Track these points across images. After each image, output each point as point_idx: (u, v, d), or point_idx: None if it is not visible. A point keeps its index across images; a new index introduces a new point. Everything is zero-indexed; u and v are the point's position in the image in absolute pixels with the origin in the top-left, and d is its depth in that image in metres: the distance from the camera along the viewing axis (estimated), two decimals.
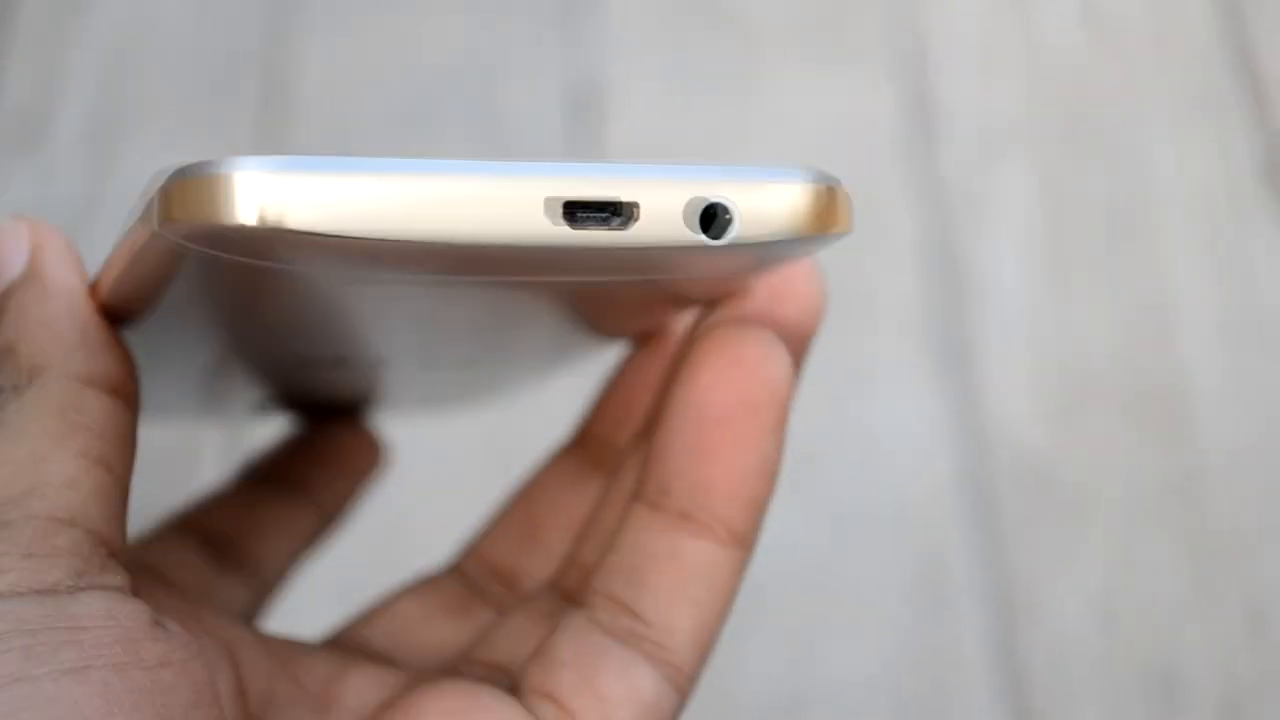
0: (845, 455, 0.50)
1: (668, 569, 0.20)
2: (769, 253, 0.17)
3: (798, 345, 0.21)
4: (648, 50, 0.59)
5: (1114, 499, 0.49)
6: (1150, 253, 0.54)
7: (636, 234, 0.16)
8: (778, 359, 0.20)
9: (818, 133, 0.57)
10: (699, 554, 0.20)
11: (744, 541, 0.20)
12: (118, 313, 0.19)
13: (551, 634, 0.21)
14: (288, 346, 0.23)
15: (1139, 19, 0.59)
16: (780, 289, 0.21)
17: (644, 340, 0.23)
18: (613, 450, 0.23)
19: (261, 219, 0.15)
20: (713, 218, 0.16)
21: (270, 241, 0.15)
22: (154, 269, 0.17)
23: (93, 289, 0.19)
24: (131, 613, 0.17)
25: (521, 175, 0.15)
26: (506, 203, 0.15)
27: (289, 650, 0.22)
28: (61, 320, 0.19)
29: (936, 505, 0.49)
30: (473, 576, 0.24)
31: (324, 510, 0.28)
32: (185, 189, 0.15)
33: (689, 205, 0.16)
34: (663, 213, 0.16)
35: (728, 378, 0.20)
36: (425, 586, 0.24)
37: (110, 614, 0.17)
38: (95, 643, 0.16)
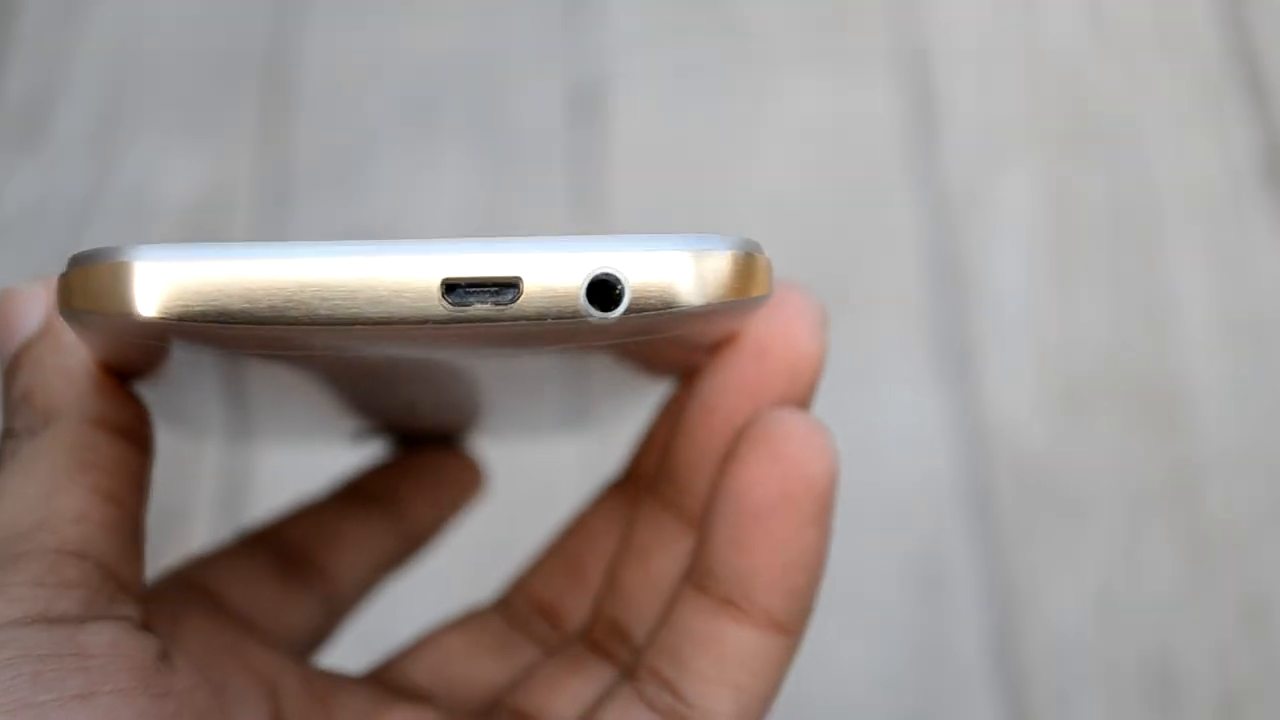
0: (845, 453, 0.50)
1: (710, 653, 0.20)
2: (678, 322, 0.17)
3: (795, 400, 0.20)
4: (650, 48, 0.59)
5: (1113, 497, 0.49)
6: (1152, 252, 0.54)
7: (523, 309, 0.16)
8: (818, 452, 0.20)
9: (820, 132, 0.57)
10: (741, 640, 0.20)
11: (788, 629, 0.20)
12: (125, 371, 0.20)
13: (598, 704, 0.21)
14: (307, 397, 0.23)
15: (1141, 18, 0.59)
16: (771, 343, 0.20)
17: (688, 377, 0.23)
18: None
19: (154, 310, 0.15)
20: (605, 291, 0.16)
21: (157, 330, 0.15)
22: (94, 339, 0.18)
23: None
24: (138, 644, 0.18)
25: (408, 254, 0.16)
26: (398, 284, 0.15)
27: (329, 684, 0.22)
28: (75, 369, 0.20)
29: (936, 503, 0.49)
30: (518, 612, 0.24)
31: (411, 532, 0.27)
32: (79, 278, 0.16)
33: (578, 278, 0.16)
34: (550, 287, 0.16)
35: (765, 473, 0.19)
36: (470, 621, 0.24)
37: (117, 644, 0.17)
38: (102, 670, 0.17)
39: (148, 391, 0.20)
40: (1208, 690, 0.46)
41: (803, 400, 0.21)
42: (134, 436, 0.20)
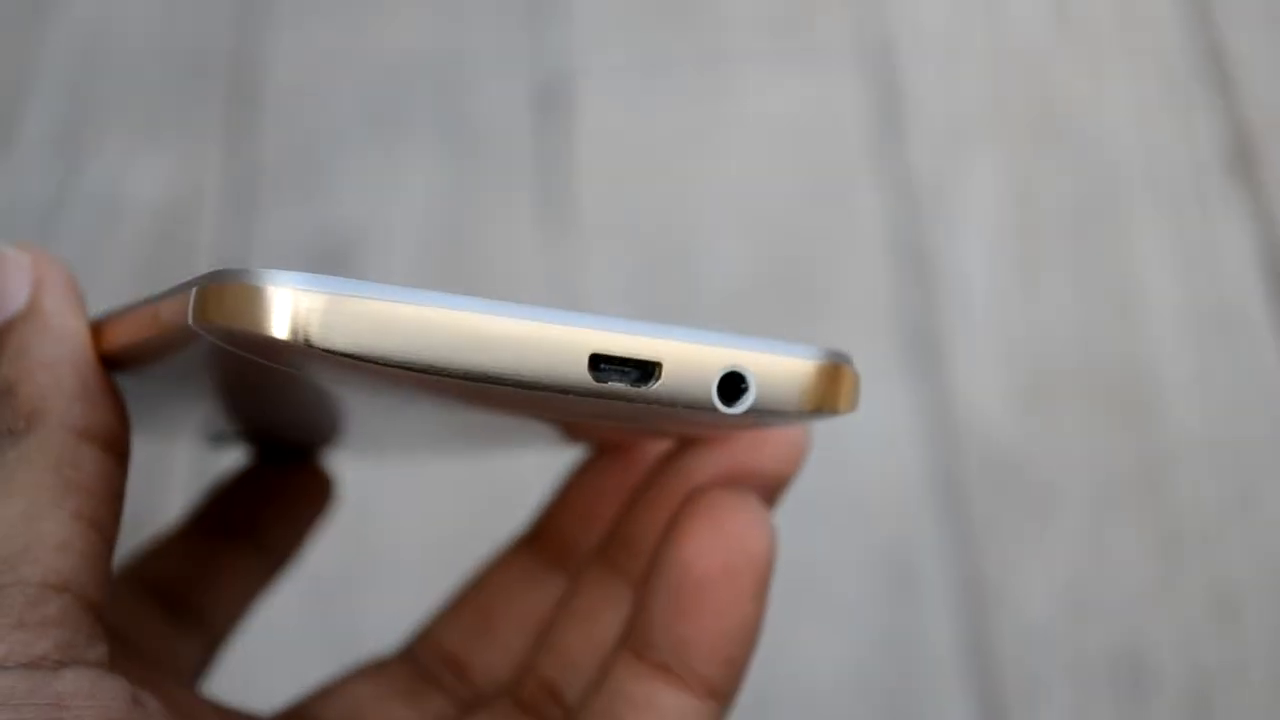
0: (815, 448, 0.50)
1: (645, 716, 0.20)
2: (775, 422, 0.18)
3: (772, 490, 0.21)
4: (616, 44, 0.59)
5: (1082, 489, 0.49)
6: (1117, 243, 0.54)
7: (658, 393, 0.16)
8: (759, 528, 0.20)
9: (786, 126, 0.57)
10: (676, 705, 0.20)
11: (721, 695, 0.20)
12: (116, 363, 0.19)
13: None
14: (275, 413, 0.23)
15: (1105, 10, 0.59)
16: (768, 438, 0.21)
17: (608, 448, 0.23)
18: (570, 551, 0.23)
19: (294, 335, 0.15)
20: (732, 386, 0.17)
21: (298, 355, 0.16)
22: (172, 346, 0.17)
23: (94, 334, 0.19)
24: (112, 691, 0.17)
25: (563, 325, 0.16)
26: (545, 350, 0.16)
27: None
28: (63, 365, 0.19)
29: (905, 497, 0.49)
30: (424, 662, 0.24)
31: (276, 558, 0.27)
32: (224, 294, 0.16)
33: (713, 372, 0.17)
34: (686, 376, 0.16)
35: (710, 546, 0.20)
36: (378, 670, 0.24)
37: (92, 694, 0.17)
38: None
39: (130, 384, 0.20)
40: (1177, 680, 0.46)
41: (773, 499, 0.21)
42: (116, 448, 0.19)
